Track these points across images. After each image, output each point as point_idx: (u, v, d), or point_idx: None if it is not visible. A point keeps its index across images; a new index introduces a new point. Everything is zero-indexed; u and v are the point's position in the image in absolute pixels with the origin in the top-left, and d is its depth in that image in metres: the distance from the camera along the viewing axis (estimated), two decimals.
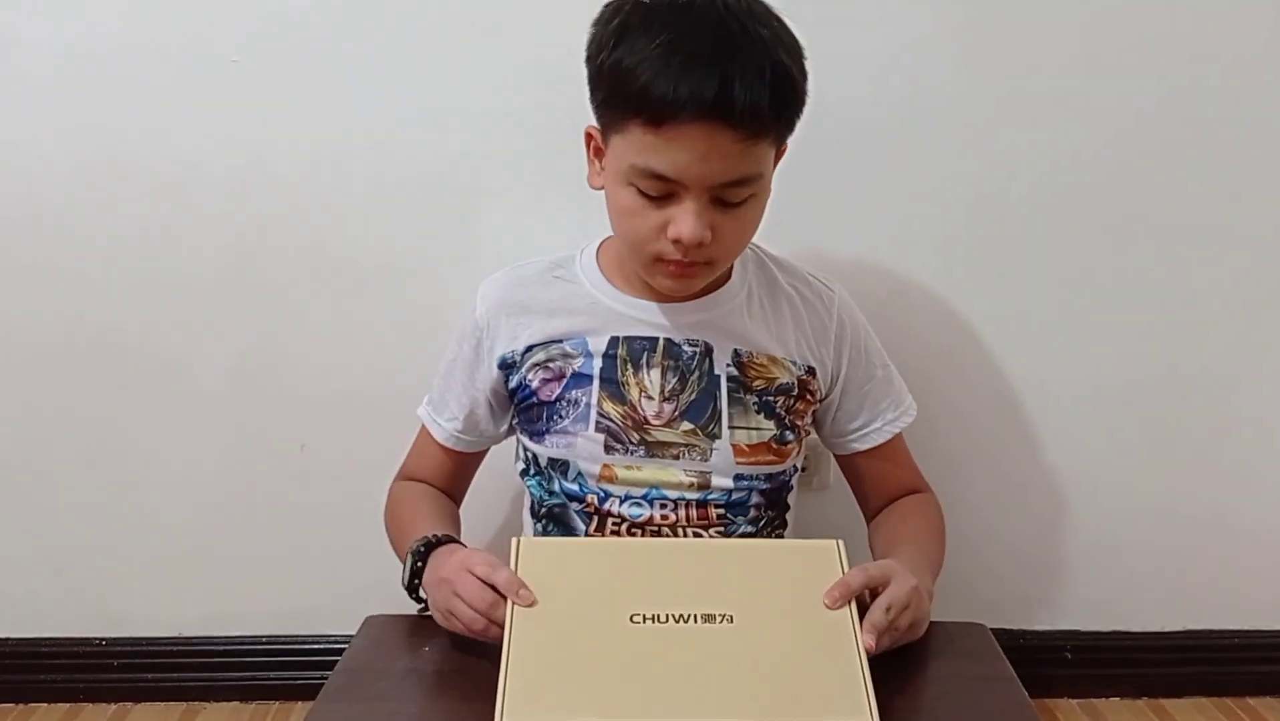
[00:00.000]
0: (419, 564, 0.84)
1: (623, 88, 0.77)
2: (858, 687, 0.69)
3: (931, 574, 0.90)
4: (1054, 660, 1.37)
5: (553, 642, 0.71)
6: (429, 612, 0.83)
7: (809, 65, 0.82)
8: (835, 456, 1.05)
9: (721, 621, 0.72)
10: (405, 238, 1.20)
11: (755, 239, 0.96)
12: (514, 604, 0.72)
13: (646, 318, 0.92)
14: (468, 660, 0.78)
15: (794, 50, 0.80)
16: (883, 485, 1.02)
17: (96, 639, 1.34)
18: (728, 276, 0.94)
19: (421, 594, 0.84)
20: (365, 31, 1.14)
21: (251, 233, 1.20)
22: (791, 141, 0.89)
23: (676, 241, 0.80)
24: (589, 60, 0.82)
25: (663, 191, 0.80)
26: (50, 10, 1.13)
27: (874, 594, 0.76)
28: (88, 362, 1.24)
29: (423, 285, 1.21)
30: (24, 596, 1.33)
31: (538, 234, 1.16)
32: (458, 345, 0.98)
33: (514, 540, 0.78)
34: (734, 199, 0.81)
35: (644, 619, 0.72)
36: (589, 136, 0.87)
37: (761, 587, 0.75)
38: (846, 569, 0.76)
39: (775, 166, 0.86)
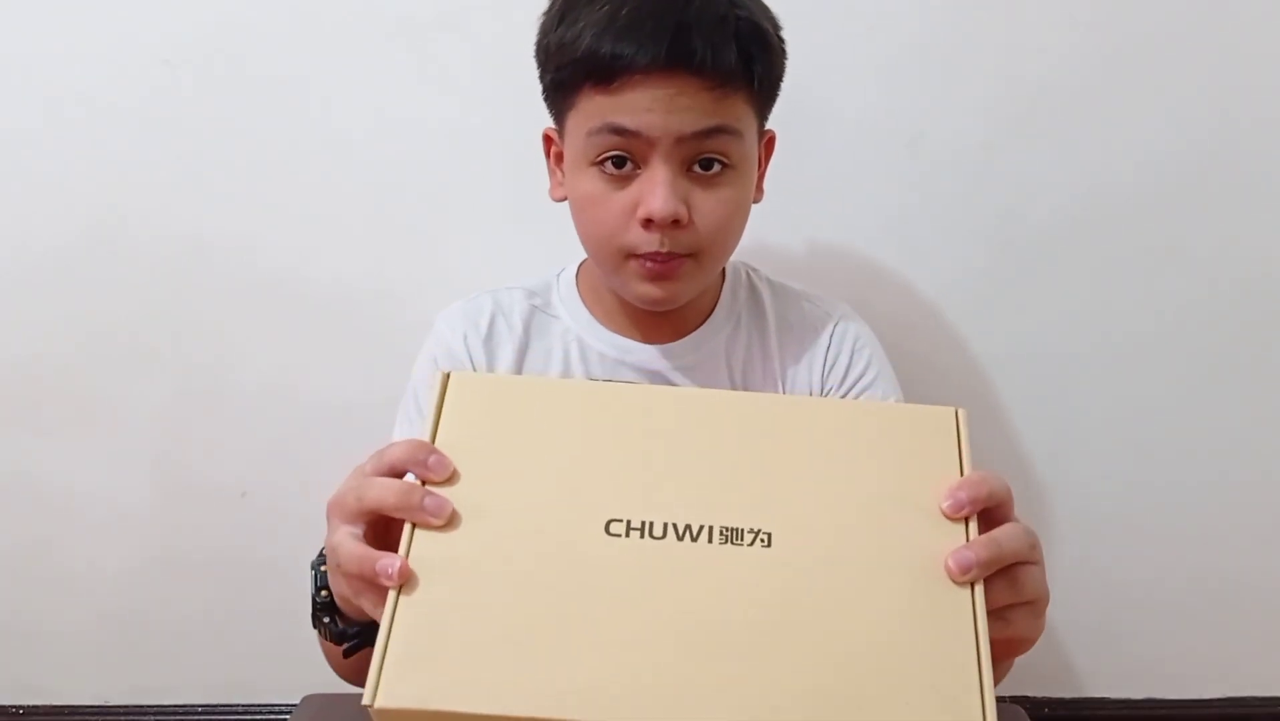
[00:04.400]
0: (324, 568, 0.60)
1: (568, 59, 0.69)
2: (965, 676, 0.43)
3: None
4: None
5: (475, 564, 0.46)
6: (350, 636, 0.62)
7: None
8: None
9: (753, 543, 0.46)
10: (357, 261, 1.09)
11: (752, 262, 0.89)
12: (424, 483, 0.48)
13: (634, 361, 0.82)
14: None
15: (763, 9, 0.73)
16: None
17: (14, 707, 1.25)
18: (712, 308, 0.84)
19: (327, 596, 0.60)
20: (309, 34, 1.01)
21: (183, 256, 1.08)
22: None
23: (648, 222, 0.70)
24: (537, 52, 0.75)
25: (627, 153, 0.69)
26: None
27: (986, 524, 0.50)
28: None
29: (377, 313, 1.10)
30: None
31: (504, 256, 1.06)
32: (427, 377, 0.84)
33: (442, 374, 0.52)
34: (710, 151, 0.70)
35: (628, 530, 0.47)
36: (547, 140, 0.79)
37: (824, 482, 0.49)
38: (968, 464, 0.50)
39: (765, 158, 0.78)
